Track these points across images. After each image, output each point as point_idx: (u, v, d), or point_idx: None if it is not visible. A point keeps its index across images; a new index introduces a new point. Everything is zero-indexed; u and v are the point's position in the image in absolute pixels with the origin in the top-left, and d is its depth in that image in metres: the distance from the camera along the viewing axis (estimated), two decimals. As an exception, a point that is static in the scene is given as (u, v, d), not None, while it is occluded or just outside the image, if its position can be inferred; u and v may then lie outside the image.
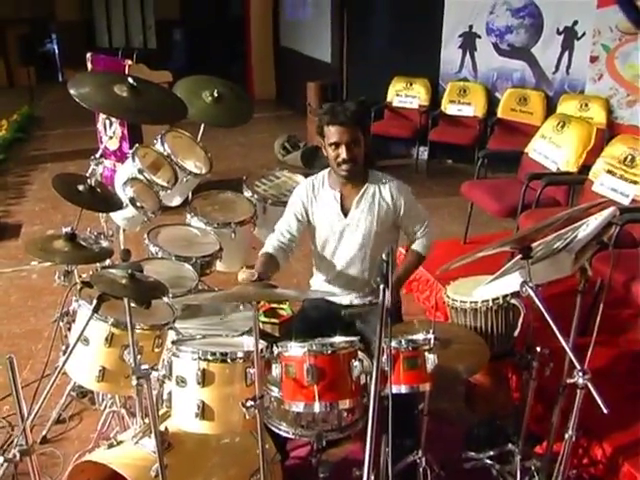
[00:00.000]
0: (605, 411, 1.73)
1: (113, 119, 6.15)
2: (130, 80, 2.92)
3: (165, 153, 3.34)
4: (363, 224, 2.90)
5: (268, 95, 11.86)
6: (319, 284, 3.12)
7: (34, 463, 2.23)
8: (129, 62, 6.06)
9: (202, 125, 3.57)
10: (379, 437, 2.19)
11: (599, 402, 1.74)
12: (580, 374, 1.79)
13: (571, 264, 2.05)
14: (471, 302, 2.71)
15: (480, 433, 3.23)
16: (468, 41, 7.87)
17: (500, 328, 2.70)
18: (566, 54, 7.22)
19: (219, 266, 3.35)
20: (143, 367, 2.01)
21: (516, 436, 2.86)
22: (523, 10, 7.46)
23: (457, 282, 2.99)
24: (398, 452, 2.76)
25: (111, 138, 6.45)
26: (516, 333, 2.66)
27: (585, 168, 4.60)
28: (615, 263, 3.56)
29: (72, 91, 2.81)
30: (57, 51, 14.77)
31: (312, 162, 7.49)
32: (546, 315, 1.93)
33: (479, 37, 7.81)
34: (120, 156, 6.03)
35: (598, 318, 2.29)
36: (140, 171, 3.17)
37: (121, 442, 2.43)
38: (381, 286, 1.80)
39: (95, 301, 2.17)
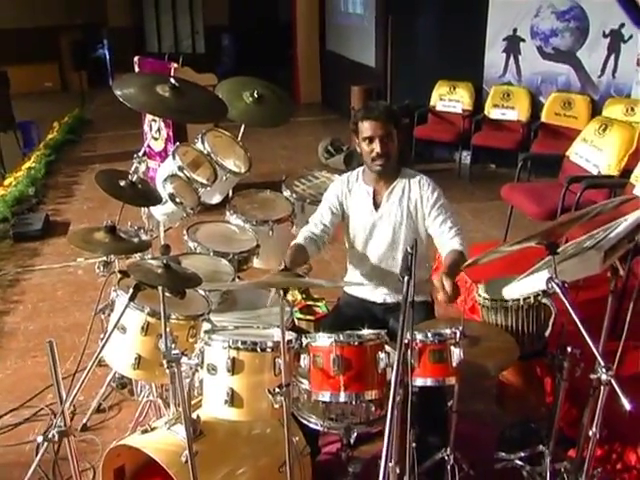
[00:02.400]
0: (628, 407, 1.73)
1: (158, 120, 6.33)
2: (172, 80, 3.00)
3: (205, 151, 3.41)
4: (393, 217, 2.95)
5: (314, 99, 11.97)
6: (352, 278, 3.16)
7: (72, 445, 2.32)
8: (175, 65, 6.20)
9: (242, 125, 3.64)
10: (406, 432, 2.22)
11: (622, 398, 1.74)
12: (603, 370, 1.79)
13: (600, 262, 2.05)
14: (502, 301, 2.71)
15: (513, 435, 3.23)
16: (512, 45, 7.84)
17: (531, 327, 2.69)
18: (612, 57, 7.13)
19: (256, 263, 3.40)
20: (174, 352, 2.07)
21: (548, 438, 2.86)
22: (568, 13, 7.39)
23: (490, 282, 2.99)
24: (427, 449, 2.80)
25: (156, 139, 6.62)
26: (547, 333, 2.65)
27: (627, 172, 4.56)
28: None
29: (117, 91, 2.91)
30: (108, 56, 15.11)
31: (354, 165, 7.53)
32: (571, 310, 1.94)
33: (523, 41, 7.76)
34: (165, 157, 6.14)
35: (628, 319, 2.29)
36: (180, 168, 3.25)
37: (155, 428, 2.51)
38: (405, 278, 1.83)
39: (131, 290, 2.25)
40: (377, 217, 2.99)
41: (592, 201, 4.50)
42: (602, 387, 1.82)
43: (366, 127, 2.85)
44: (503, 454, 3.06)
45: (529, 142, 7.13)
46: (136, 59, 6.79)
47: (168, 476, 2.52)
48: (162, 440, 2.41)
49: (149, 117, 6.69)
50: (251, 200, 3.70)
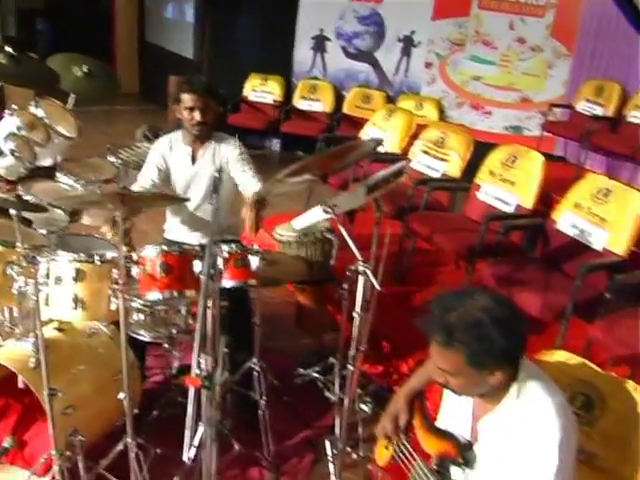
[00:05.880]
0: (378, 289, 2.41)
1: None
2: (8, 49, 3.37)
3: (39, 115, 3.79)
4: (207, 172, 3.47)
5: (132, 89, 12.08)
6: (173, 226, 3.66)
7: None
8: (-5, 42, 6.35)
9: (72, 95, 4.04)
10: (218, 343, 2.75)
11: (374, 282, 2.41)
12: (360, 263, 2.45)
13: (363, 196, 2.69)
14: (295, 235, 3.36)
15: (310, 360, 3.88)
16: (319, 43, 8.63)
17: (319, 257, 3.37)
18: (405, 59, 8.14)
19: (85, 220, 3.80)
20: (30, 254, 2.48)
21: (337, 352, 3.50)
22: (369, 18, 8.30)
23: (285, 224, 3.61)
24: (236, 365, 3.33)
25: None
26: (332, 262, 3.34)
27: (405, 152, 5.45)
28: (423, 222, 4.39)
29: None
30: None
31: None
32: (343, 231, 2.59)
33: (329, 40, 8.58)
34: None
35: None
36: (19, 128, 3.61)
37: (1, 346, 2.90)
38: (214, 196, 2.40)
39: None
40: (194, 171, 3.51)
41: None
42: (359, 276, 2.47)
43: (187, 99, 3.38)
44: (302, 370, 3.73)
45: (333, 130, 7.86)
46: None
47: (15, 393, 2.91)
48: (11, 351, 2.81)
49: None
50: (80, 164, 4.08)
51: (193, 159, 3.52)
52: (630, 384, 2.21)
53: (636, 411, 2.14)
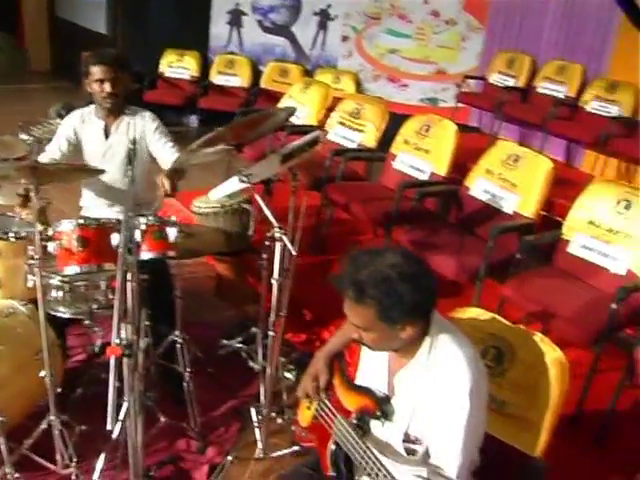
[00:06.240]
0: (294, 253, 2.46)
1: None
2: None
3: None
4: (122, 146, 3.42)
5: (43, 67, 11.69)
6: (88, 200, 3.62)
7: None
8: None
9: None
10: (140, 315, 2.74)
11: (291, 248, 2.46)
12: (277, 230, 2.49)
13: (278, 165, 2.73)
14: (212, 207, 3.38)
15: (234, 331, 3.92)
16: (235, 17, 8.57)
17: (237, 228, 3.39)
18: (321, 33, 8.18)
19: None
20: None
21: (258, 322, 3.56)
22: (284, -9, 8.29)
23: (202, 197, 3.62)
24: (159, 338, 3.35)
25: None
26: (250, 232, 3.36)
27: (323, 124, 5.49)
28: (341, 192, 4.46)
29: None
30: None
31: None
32: (259, 200, 2.62)
33: (245, 14, 8.54)
34: None
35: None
36: None
37: None
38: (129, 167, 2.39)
39: None
40: (107, 145, 3.46)
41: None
42: (276, 242, 2.51)
43: (96, 71, 3.32)
44: (225, 341, 3.76)
45: (250, 105, 7.80)
46: None
47: None
48: None
49: None
50: (-10, 143, 4.00)
51: (106, 133, 3.47)
52: (537, 336, 2.32)
53: (542, 360, 2.25)
